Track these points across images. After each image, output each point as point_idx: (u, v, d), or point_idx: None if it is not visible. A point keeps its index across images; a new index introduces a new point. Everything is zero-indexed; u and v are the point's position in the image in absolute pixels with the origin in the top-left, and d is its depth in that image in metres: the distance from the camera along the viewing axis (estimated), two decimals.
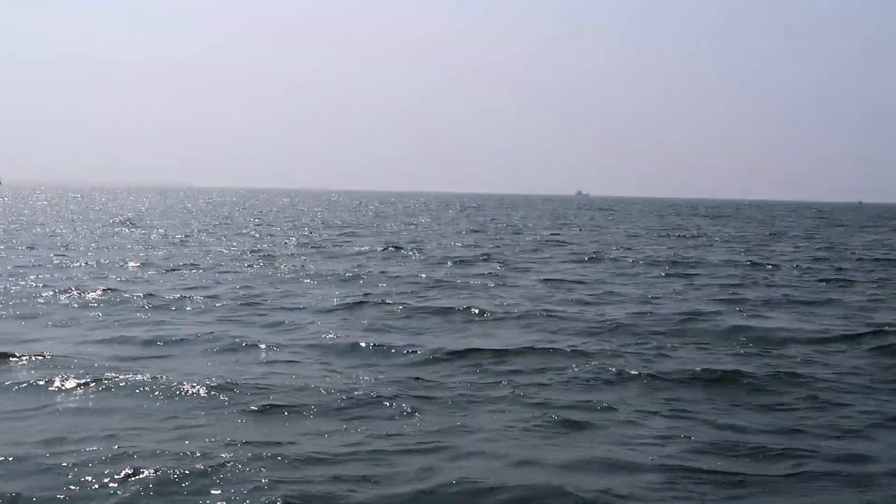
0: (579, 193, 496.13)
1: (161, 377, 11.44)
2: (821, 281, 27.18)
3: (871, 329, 16.68)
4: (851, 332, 16.43)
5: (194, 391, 10.86)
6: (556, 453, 8.91)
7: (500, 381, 12.16)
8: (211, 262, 29.30)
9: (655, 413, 10.75)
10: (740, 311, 19.66)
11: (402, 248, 37.27)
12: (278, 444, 8.96)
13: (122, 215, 68.77)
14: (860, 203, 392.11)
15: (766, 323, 17.61)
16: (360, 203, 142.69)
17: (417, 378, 12.16)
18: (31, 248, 33.47)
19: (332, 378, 12.09)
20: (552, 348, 14.43)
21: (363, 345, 14.35)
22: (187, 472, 8.03)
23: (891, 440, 9.79)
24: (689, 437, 9.61)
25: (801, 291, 24.21)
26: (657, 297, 22.14)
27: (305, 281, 24.25)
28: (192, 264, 28.23)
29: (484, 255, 34.96)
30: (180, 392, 10.83)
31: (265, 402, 10.44)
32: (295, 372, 12.38)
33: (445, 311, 18.48)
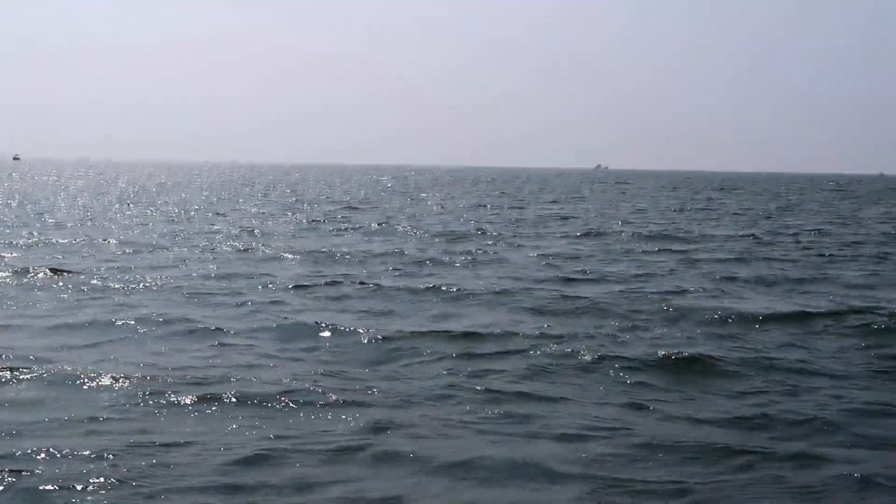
0: (598, 167, 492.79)
1: (89, 367, 10.78)
2: (821, 256, 26.38)
3: (858, 309, 15.88)
4: (838, 311, 15.66)
5: (119, 382, 10.15)
6: (490, 455, 8.08)
7: (451, 368, 11.47)
8: (199, 240, 28.65)
9: (606, 403, 10.05)
10: (728, 290, 18.90)
11: (398, 225, 36.54)
12: (187, 443, 8.27)
13: (129, 191, 68.44)
14: (881, 174, 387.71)
15: (751, 303, 16.81)
16: (372, 178, 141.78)
17: (366, 367, 11.50)
18: (24, 225, 32.90)
19: (273, 366, 11.40)
20: (515, 332, 13.71)
21: (322, 328, 13.62)
22: (77, 472, 7.38)
23: (854, 435, 9.03)
24: (634, 432, 8.88)
25: (798, 268, 23.40)
26: (645, 275, 21.42)
27: (288, 259, 23.61)
28: (178, 242, 27.59)
29: (480, 230, 34.22)
30: (102, 384, 10.14)
31: (191, 395, 9.73)
32: (238, 360, 11.68)
33: (419, 291, 17.75)
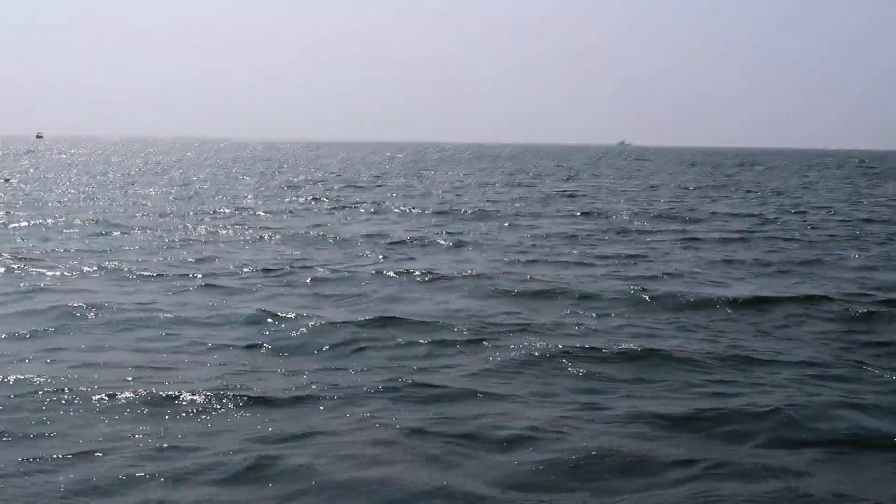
0: (622, 143, 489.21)
1: None
2: (828, 237, 25.37)
3: (845, 294, 15.01)
4: (824, 296, 14.75)
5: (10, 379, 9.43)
6: (405, 479, 7.19)
7: (398, 362, 10.69)
8: (186, 221, 28.01)
9: (557, 403, 9.23)
10: (717, 274, 18.06)
11: (396, 204, 35.69)
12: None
13: (141, 168, 67.92)
14: None
15: (736, 289, 15.89)
16: (389, 156, 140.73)
17: (303, 361, 10.73)
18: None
19: (192, 361, 10.61)
20: (480, 319, 12.92)
21: (267, 316, 12.81)
22: None
23: (815, 431, 8.26)
24: (560, 439, 8.08)
25: (799, 249, 22.49)
26: (637, 257, 20.59)
27: (267, 240, 22.86)
28: (162, 223, 26.95)
29: (479, 209, 33.35)
30: None
31: (98, 394, 9.01)
32: (158, 356, 10.88)
33: (392, 275, 16.91)
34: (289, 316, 12.82)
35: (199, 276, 16.58)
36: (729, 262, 19.93)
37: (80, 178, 54.43)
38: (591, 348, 11.29)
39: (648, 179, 64.65)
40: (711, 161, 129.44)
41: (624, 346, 11.41)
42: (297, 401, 9.06)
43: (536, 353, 11.03)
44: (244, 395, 9.04)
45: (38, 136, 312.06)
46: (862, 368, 10.67)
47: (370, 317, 12.91)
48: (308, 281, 16.32)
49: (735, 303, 14.32)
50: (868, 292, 15.52)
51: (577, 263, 19.49)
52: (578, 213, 32.56)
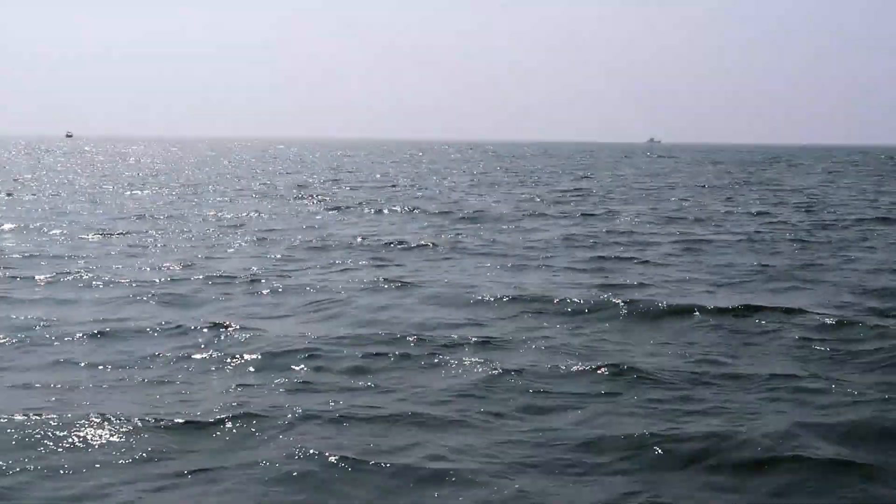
0: (651, 141, 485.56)
1: None
2: (838, 239, 24.09)
3: (830, 306, 14.05)
4: (800, 309, 13.67)
5: None
6: None
7: (316, 385, 9.86)
8: (176, 224, 27.36)
9: (486, 433, 8.34)
10: (710, 281, 17.09)
11: (393, 206, 34.83)
12: None
13: (154, 168, 67.60)
14: None
15: (724, 298, 14.89)
16: (411, 154, 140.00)
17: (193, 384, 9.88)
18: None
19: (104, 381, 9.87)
20: (433, 335, 12.03)
21: (193, 329, 12.09)
22: None
23: (768, 464, 7.45)
24: (502, 474, 7.26)
25: (803, 252, 21.43)
26: (629, 260, 19.75)
27: (244, 248, 22.05)
28: (147, 227, 26.25)
29: (479, 211, 32.40)
30: None
31: None
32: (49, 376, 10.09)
33: (356, 285, 16.04)
34: (233, 327, 12.09)
35: (167, 283, 15.89)
36: (725, 267, 18.96)
37: (109, 179, 54.05)
38: (553, 367, 10.52)
39: (665, 178, 63.46)
40: (737, 159, 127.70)
41: (588, 362, 10.65)
42: (214, 425, 8.34)
43: (494, 372, 10.22)
44: (166, 418, 8.35)
45: (68, 135, 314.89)
46: (835, 386, 9.79)
47: (320, 331, 12.14)
48: (271, 289, 15.50)
49: (717, 313, 13.45)
50: (855, 301, 14.56)
51: (567, 269, 18.66)
52: (579, 215, 31.64)
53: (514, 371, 10.29)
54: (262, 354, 10.86)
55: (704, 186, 51.20)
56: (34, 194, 39.64)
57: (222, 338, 11.71)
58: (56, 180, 51.90)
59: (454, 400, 9.41)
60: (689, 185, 52.66)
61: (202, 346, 11.33)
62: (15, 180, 50.88)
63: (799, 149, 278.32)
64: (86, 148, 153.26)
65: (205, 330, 12.02)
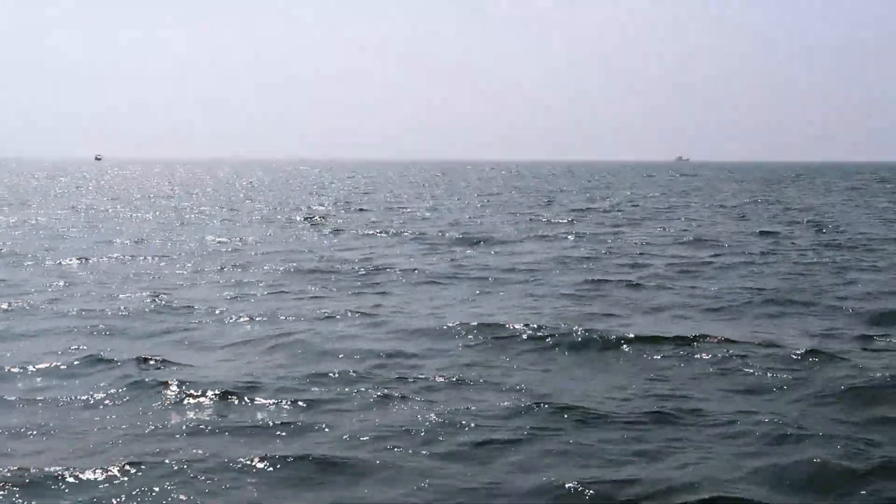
0: (679, 159, 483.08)
1: None
2: (845, 263, 22.89)
3: (803, 337, 13.25)
4: (774, 342, 12.79)
5: None
6: None
7: (226, 423, 9.16)
8: (161, 250, 26.83)
9: (392, 485, 7.64)
10: (689, 308, 16.25)
11: (389, 228, 34.19)
12: None
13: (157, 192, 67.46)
14: None
15: (693, 327, 14.05)
16: (432, 175, 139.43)
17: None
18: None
19: None
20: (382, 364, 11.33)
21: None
22: None
23: None
24: None
25: (805, 276, 20.37)
26: (610, 284, 18.82)
27: (217, 281, 21.40)
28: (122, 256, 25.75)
29: (478, 233, 31.63)
30: None
31: None
32: None
33: (318, 313, 15.35)
34: (154, 361, 11.50)
35: (116, 313, 15.30)
36: (714, 292, 18.10)
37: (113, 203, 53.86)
38: (500, 404, 9.87)
39: (683, 197, 62.46)
40: (761, 177, 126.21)
41: (537, 399, 10.05)
42: (100, 474, 7.65)
43: (435, 411, 9.59)
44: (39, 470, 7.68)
45: (97, 158, 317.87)
46: (798, 426, 9.07)
47: (258, 366, 11.46)
48: (228, 320, 14.82)
49: (684, 344, 12.72)
50: (842, 328, 13.73)
51: (546, 295, 17.81)
52: (583, 235, 30.90)
53: (457, 410, 9.67)
54: (174, 393, 10.14)
55: (720, 206, 50.20)
56: (35, 219, 39.34)
57: (139, 374, 11.00)
58: (67, 204, 51.70)
59: (387, 441, 8.76)
60: (704, 205, 51.70)
61: (110, 384, 10.59)
62: (21, 203, 50.76)
63: (834, 165, 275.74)
64: (108, 170, 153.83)
65: (120, 365, 11.33)
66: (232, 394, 10.11)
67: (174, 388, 10.26)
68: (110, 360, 11.60)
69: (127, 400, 10.01)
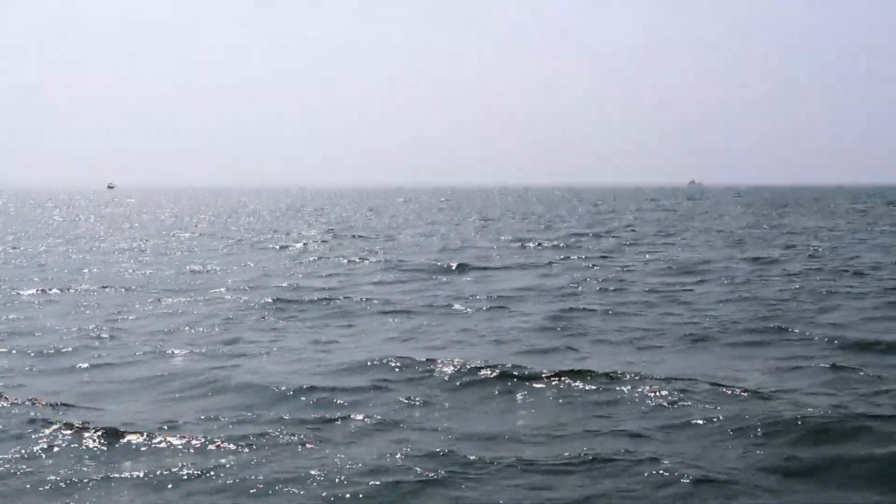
0: (692, 183, 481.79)
1: None
2: (832, 289, 22.00)
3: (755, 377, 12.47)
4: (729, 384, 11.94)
5: None
6: None
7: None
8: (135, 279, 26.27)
9: None
10: (641, 345, 15.40)
11: (373, 256, 33.57)
12: None
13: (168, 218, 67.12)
14: None
15: (657, 367, 13.27)
16: (437, 200, 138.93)
17: None
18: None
19: None
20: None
21: None
22: None
23: None
24: None
25: (784, 304, 19.56)
26: (549, 324, 17.44)
27: (170, 312, 20.77)
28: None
29: (461, 262, 30.72)
30: None
31: None
32: None
33: (253, 348, 14.69)
34: (43, 403, 10.78)
35: (52, 351, 14.63)
36: (684, 322, 17.32)
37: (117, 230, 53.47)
38: (394, 454, 9.05)
39: (685, 221, 61.66)
40: (770, 200, 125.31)
41: (442, 446, 9.36)
42: None
43: (331, 461, 8.85)
44: None
45: (110, 187, 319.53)
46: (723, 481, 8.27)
47: (181, 408, 10.86)
48: (173, 356, 14.16)
49: (636, 382, 11.87)
50: (802, 364, 13.06)
51: (506, 329, 16.82)
52: (556, 264, 30.04)
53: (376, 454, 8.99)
54: (65, 440, 9.46)
55: (718, 230, 49.38)
56: (17, 247, 38.92)
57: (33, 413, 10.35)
58: (61, 234, 51.34)
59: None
60: (704, 229, 50.87)
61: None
62: (18, 234, 50.44)
63: (850, 188, 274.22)
64: (115, 199, 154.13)
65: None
66: (124, 435, 9.44)
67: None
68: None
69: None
